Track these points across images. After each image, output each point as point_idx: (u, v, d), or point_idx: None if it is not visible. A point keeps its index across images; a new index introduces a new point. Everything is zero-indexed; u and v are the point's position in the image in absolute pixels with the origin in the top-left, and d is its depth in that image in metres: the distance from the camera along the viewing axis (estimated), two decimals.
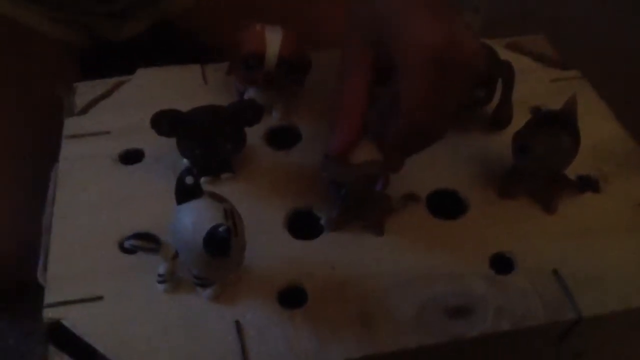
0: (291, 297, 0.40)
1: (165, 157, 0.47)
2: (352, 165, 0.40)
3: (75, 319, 0.38)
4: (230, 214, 0.36)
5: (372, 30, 0.38)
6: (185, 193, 0.36)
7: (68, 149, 0.47)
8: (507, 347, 0.41)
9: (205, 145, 0.43)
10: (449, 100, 0.37)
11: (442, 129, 0.39)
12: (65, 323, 0.37)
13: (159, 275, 0.39)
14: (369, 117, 0.40)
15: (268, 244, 0.42)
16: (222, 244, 0.34)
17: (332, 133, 0.39)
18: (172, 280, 0.39)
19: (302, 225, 0.44)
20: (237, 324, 0.38)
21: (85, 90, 0.52)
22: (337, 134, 0.39)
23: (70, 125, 0.49)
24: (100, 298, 0.39)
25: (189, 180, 0.35)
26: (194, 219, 0.35)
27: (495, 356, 0.42)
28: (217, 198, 0.36)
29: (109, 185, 0.45)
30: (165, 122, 0.42)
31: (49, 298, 0.39)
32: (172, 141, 0.44)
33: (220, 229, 0.34)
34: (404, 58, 0.36)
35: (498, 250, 0.43)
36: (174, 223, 0.36)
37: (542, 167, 0.43)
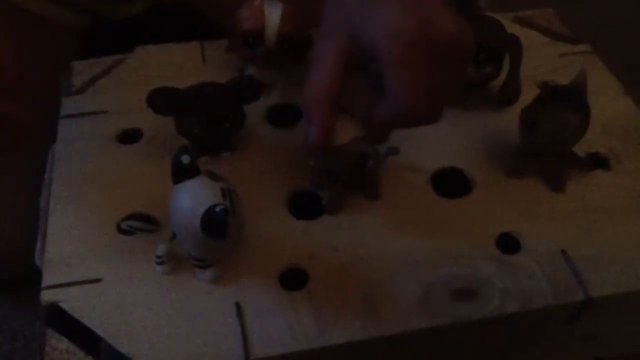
0: (292, 279, 0.39)
1: (164, 136, 0.46)
2: (343, 148, 0.38)
3: (73, 302, 0.37)
4: (228, 193, 0.35)
5: (346, 23, 0.37)
6: (181, 172, 0.35)
7: (65, 129, 0.47)
8: (515, 330, 0.40)
9: (203, 123, 0.42)
10: (438, 82, 0.36)
11: (434, 114, 0.37)
12: (63, 306, 0.37)
13: (157, 257, 0.38)
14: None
15: (269, 224, 0.41)
16: (219, 225, 0.33)
17: (310, 124, 0.38)
18: (170, 262, 0.39)
19: (304, 206, 0.43)
20: (238, 306, 0.37)
21: (83, 69, 0.51)
22: (315, 124, 0.37)
23: (68, 104, 0.48)
24: (98, 280, 0.38)
25: (185, 159, 0.35)
26: (190, 199, 0.34)
27: (503, 339, 0.41)
28: (214, 177, 0.35)
29: (107, 166, 0.44)
30: (162, 101, 0.41)
31: (46, 280, 0.38)
32: (171, 120, 0.43)
33: (217, 209, 0.33)
34: (379, 48, 0.35)
35: (504, 231, 0.42)
36: (170, 203, 0.35)
37: (549, 145, 0.42)
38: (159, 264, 0.38)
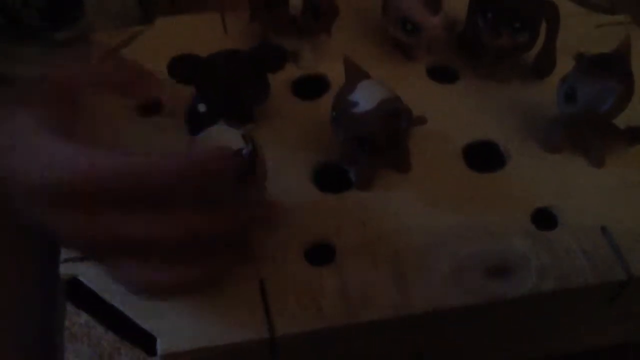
0: (319, 254, 0.38)
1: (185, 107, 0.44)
2: (371, 112, 0.36)
3: (93, 275, 0.36)
4: (249, 139, 0.34)
5: None
6: (199, 121, 0.34)
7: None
8: (552, 309, 0.39)
9: (225, 91, 0.40)
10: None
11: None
12: (82, 279, 0.36)
13: None
14: None
15: (294, 198, 0.40)
16: (247, 168, 0.33)
17: None
18: None
19: (330, 179, 0.41)
20: (262, 282, 0.36)
21: (103, 40, 0.50)
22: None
23: None
24: None
25: (201, 107, 0.33)
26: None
27: (539, 318, 0.40)
28: (232, 125, 0.34)
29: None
30: (183, 68, 0.40)
31: (65, 253, 0.37)
32: (191, 91, 0.42)
33: (244, 152, 0.32)
34: None
35: (541, 206, 0.40)
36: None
37: (589, 116, 0.40)
38: None
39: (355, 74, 0.39)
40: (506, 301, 0.36)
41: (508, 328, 0.40)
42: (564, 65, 0.44)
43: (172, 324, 0.34)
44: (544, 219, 0.40)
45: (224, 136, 0.34)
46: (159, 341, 0.33)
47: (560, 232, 0.39)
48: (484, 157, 0.43)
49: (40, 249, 0.43)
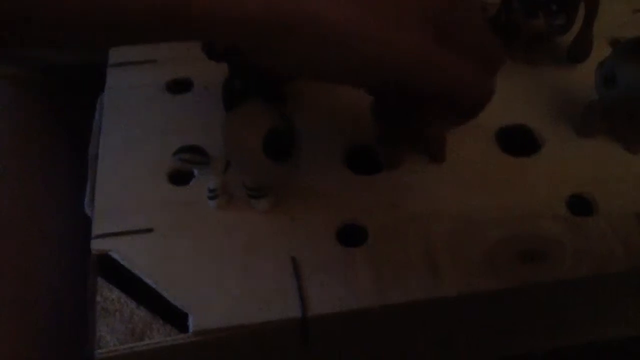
0: (351, 236, 0.37)
1: (215, 86, 0.44)
2: None
3: (124, 251, 0.36)
4: (285, 115, 0.34)
5: None
6: (235, 97, 0.33)
7: (113, 78, 0.45)
8: (586, 295, 0.38)
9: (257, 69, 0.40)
10: None
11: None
12: (114, 255, 0.36)
13: (210, 191, 0.37)
14: None
15: (327, 179, 0.39)
16: (283, 145, 0.33)
17: None
18: (224, 195, 0.37)
19: (363, 161, 0.41)
20: (294, 261, 0.36)
21: None
22: None
23: (115, 53, 0.47)
24: (149, 230, 0.37)
25: (237, 84, 0.33)
26: (249, 123, 0.33)
27: (573, 304, 0.39)
28: (268, 99, 0.34)
29: (157, 116, 0.43)
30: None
31: (97, 229, 0.37)
32: (222, 69, 0.41)
33: (279, 129, 0.32)
34: None
35: (575, 191, 0.39)
36: (225, 131, 0.34)
37: (628, 100, 0.39)
38: (212, 198, 0.37)
39: None
40: (538, 285, 0.36)
41: (539, 313, 0.40)
42: (600, 50, 0.44)
43: (204, 301, 0.34)
44: (579, 204, 0.39)
45: (262, 112, 0.34)
46: (190, 318, 0.33)
47: (595, 217, 0.38)
48: (518, 141, 0.42)
49: (68, 226, 0.43)
